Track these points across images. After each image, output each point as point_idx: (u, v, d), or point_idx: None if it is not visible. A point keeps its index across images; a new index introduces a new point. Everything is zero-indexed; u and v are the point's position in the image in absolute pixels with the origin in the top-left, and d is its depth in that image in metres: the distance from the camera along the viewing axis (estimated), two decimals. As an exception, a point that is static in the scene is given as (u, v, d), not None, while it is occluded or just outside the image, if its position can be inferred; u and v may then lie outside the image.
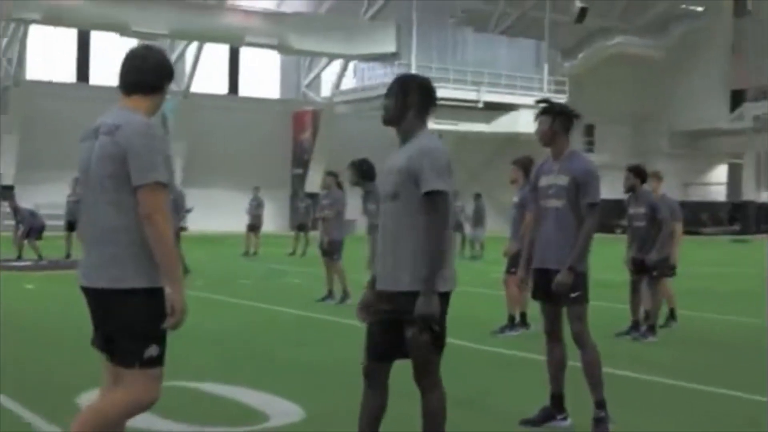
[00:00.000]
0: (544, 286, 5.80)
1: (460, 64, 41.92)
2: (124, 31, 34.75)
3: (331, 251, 13.38)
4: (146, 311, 3.74)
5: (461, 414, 5.61)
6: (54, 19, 34.06)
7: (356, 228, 32.26)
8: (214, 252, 24.36)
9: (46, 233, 20.40)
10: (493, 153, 45.09)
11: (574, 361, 5.87)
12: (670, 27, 51.72)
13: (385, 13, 41.60)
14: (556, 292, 5.66)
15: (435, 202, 4.20)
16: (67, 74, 40.07)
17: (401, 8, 40.88)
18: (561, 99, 35.68)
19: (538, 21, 45.52)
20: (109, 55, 37.71)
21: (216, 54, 42.13)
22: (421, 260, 4.18)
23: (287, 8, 41.07)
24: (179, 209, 14.99)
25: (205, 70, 41.37)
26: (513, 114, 43.25)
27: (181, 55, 39.59)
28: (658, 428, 6.00)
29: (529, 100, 43.34)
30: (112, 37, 35.91)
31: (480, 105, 41.36)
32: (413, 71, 38.86)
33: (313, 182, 39.61)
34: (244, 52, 43.41)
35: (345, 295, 13.09)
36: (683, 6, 51.66)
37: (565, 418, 5.84)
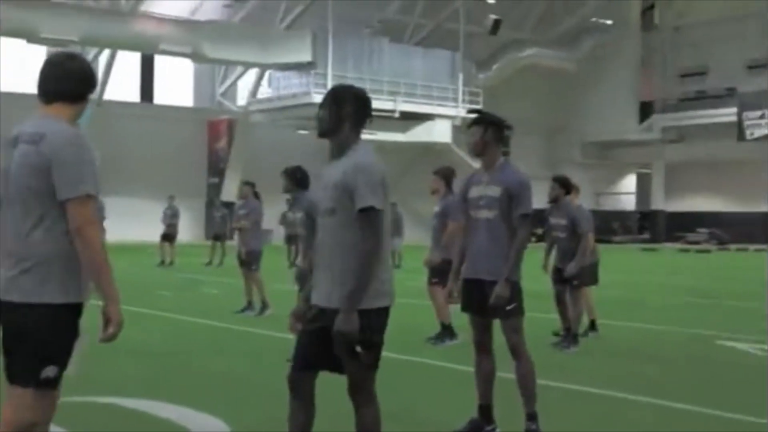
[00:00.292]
0: (476, 297, 5.77)
1: (377, 74, 42.02)
2: (32, 37, 33.93)
3: (249, 261, 13.24)
4: (52, 329, 3.58)
5: (390, 427, 5.51)
6: (-42, 24, 33.08)
7: (273, 238, 32.16)
8: (131, 262, 23.89)
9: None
10: (409, 162, 45.34)
11: (502, 373, 5.86)
12: (581, 40, 52.77)
13: (301, 22, 41.44)
14: (494, 305, 5.63)
15: (369, 219, 4.14)
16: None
17: (317, 18, 40.82)
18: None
19: (452, 32, 45.94)
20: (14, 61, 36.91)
21: (129, 61, 41.41)
22: (348, 277, 4.14)
23: (201, 16, 40.61)
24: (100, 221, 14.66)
25: (119, 78, 40.60)
26: (428, 124, 43.67)
27: (93, 62, 38.75)
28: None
29: (445, 111, 43.92)
30: (20, 43, 35.07)
31: (396, 115, 41.53)
32: (329, 81, 38.86)
33: (229, 191, 39.22)
34: (158, 60, 42.76)
35: (264, 306, 12.95)
36: (593, 19, 52.71)
37: (493, 430, 5.82)
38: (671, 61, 56.07)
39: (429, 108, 43.50)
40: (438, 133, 44.07)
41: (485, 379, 5.83)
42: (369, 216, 4.14)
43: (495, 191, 5.75)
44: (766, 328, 11.59)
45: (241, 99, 44.55)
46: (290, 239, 24.23)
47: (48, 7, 34.60)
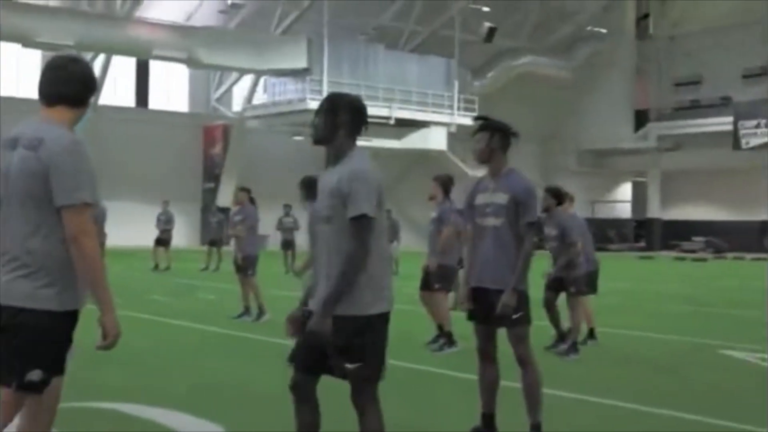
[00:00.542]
0: (482, 305, 5.70)
1: (372, 81, 41.97)
2: (27, 42, 33.82)
3: (245, 267, 13.20)
4: (45, 335, 3.55)
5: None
6: (-47, 28, 32.95)
7: (269, 243, 32.07)
8: (126, 267, 23.85)
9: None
10: (405, 169, 45.34)
11: (505, 381, 5.81)
12: (576, 48, 52.79)
13: (296, 28, 41.41)
14: (502, 314, 5.57)
15: (360, 226, 4.13)
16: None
17: (312, 24, 40.79)
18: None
19: (448, 39, 45.94)
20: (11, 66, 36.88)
21: (124, 66, 41.31)
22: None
23: (197, 22, 40.53)
24: (101, 225, 14.59)
25: (114, 83, 40.50)
26: (424, 131, 43.66)
27: (88, 67, 38.65)
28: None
29: (440, 118, 43.93)
30: (15, 48, 35.00)
31: (392, 121, 41.51)
32: (324, 87, 38.83)
33: (225, 197, 39.16)
34: (153, 65, 42.66)
35: (261, 312, 12.91)
36: (589, 28, 52.77)
37: (496, 438, 5.77)
38: (666, 70, 56.18)
39: (424, 115, 43.50)
40: (433, 141, 44.07)
41: (489, 387, 5.77)
42: (361, 223, 4.13)
43: (502, 198, 5.69)
44: (766, 336, 11.57)
45: (237, 105, 44.51)
46: (286, 245, 24.20)
47: (43, 11, 34.49)
